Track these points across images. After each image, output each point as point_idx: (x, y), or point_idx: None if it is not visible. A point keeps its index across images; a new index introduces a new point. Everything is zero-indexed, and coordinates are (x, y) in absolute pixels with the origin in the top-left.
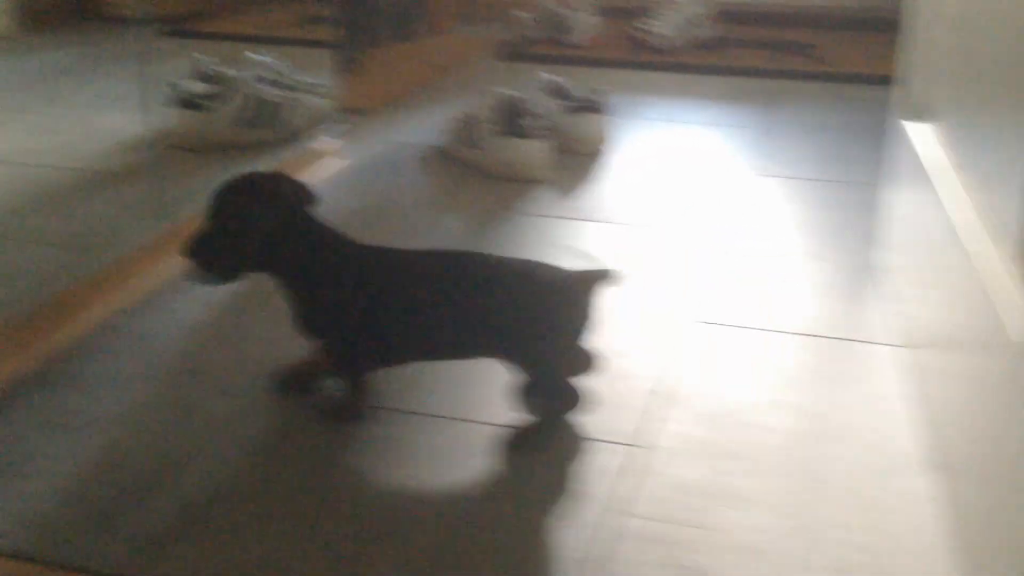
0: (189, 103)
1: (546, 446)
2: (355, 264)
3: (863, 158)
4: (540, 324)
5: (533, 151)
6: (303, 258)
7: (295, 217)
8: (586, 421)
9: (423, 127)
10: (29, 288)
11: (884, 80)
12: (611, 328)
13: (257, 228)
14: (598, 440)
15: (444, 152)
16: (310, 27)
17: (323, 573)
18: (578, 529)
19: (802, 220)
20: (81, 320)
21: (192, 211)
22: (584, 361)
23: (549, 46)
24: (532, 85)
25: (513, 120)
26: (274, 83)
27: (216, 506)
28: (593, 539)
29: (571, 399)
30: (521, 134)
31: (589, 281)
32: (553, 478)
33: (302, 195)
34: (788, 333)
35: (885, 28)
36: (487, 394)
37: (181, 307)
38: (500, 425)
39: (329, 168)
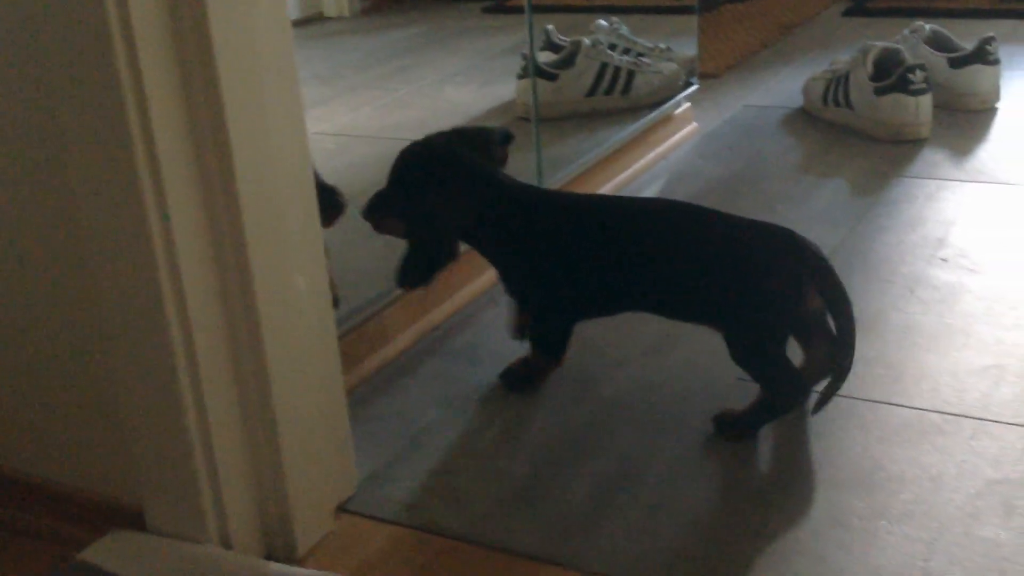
0: (542, 73)
1: (754, 435)
2: (543, 215)
3: None
4: (739, 290)
5: (922, 108)
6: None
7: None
8: None
9: (776, 89)
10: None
11: None
12: None
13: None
14: None
15: (807, 113)
16: None
17: (744, 564)
18: None
19: None
20: (457, 294)
21: (564, 175)
22: (825, 356)
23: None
24: (911, 36)
25: (897, 74)
26: (625, 51)
27: (627, 490)
28: None
29: (787, 387)
30: (907, 90)
31: (805, 255)
32: None
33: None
34: None
35: None
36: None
37: None
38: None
39: (685, 134)
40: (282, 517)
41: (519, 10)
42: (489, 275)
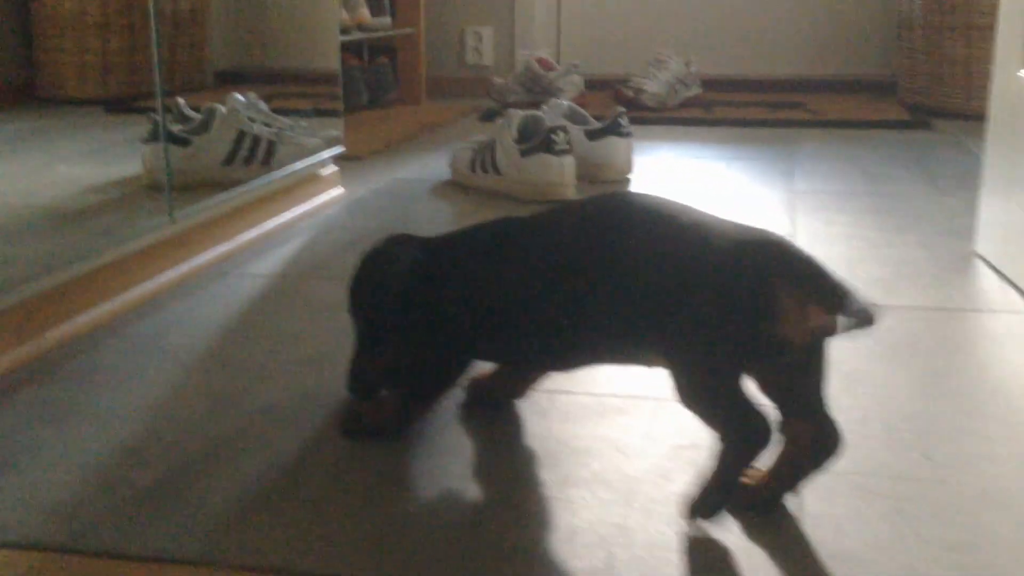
0: (174, 139)
1: (724, 510)
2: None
3: (895, 175)
4: (691, 308)
5: (566, 168)
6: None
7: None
8: None
9: (424, 167)
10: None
11: (874, 124)
12: None
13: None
14: None
15: (455, 182)
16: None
17: (387, 560)
18: None
19: (864, 222)
20: (71, 321)
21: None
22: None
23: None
24: (549, 110)
25: (540, 137)
26: (265, 124)
27: (272, 491)
28: None
29: (758, 433)
30: (551, 150)
31: (777, 252)
32: None
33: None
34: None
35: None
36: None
37: (183, 309)
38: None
39: (333, 197)
40: None
41: (144, 109)
42: (108, 307)
